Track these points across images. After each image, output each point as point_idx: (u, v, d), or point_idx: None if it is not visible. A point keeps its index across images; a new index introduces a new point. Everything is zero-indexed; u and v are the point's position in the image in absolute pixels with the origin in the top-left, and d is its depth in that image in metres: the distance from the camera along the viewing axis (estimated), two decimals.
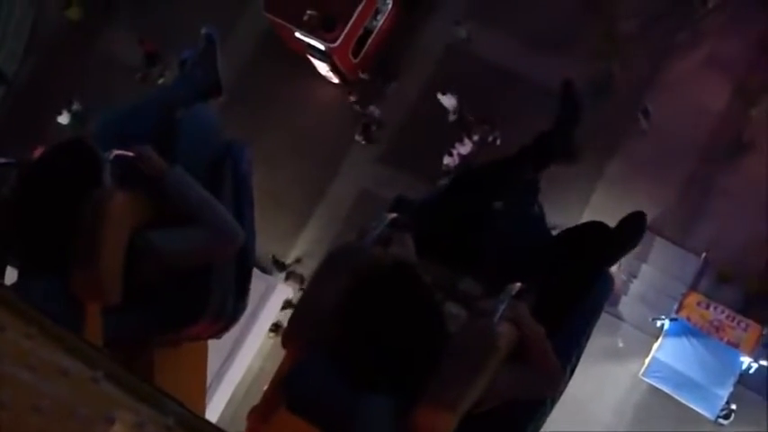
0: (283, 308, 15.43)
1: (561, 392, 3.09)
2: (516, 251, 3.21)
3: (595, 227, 3.52)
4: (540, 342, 2.79)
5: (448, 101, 16.07)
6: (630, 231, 3.57)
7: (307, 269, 15.97)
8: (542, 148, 3.65)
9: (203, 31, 3.59)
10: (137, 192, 2.89)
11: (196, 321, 3.13)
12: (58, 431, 1.60)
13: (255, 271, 4.92)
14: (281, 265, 16.43)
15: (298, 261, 16.56)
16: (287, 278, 16.34)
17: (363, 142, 17.07)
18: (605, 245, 3.42)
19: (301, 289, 15.75)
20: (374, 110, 17.05)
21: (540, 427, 3.16)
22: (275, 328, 15.20)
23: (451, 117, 16.22)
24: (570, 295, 3.20)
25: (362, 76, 17.10)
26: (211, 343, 3.75)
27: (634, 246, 3.60)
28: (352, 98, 17.16)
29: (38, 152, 3.56)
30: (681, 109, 15.21)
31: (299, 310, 2.85)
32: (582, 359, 3.34)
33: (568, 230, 3.54)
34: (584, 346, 3.33)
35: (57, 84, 17.75)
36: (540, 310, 2.89)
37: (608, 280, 3.50)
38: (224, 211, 3.00)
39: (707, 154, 15.10)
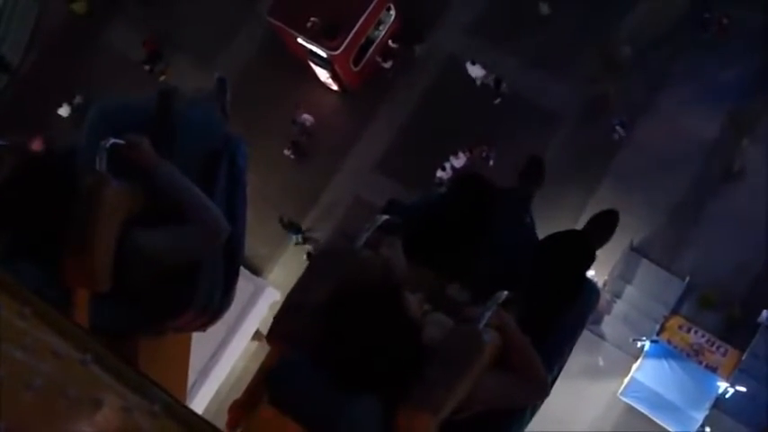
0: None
1: (541, 403, 3.13)
2: (506, 260, 3.25)
3: (573, 236, 3.59)
4: (525, 350, 2.83)
5: (476, 71, 16.22)
6: (602, 229, 3.65)
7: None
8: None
9: (216, 75, 3.61)
10: (130, 182, 2.92)
11: (183, 312, 3.15)
12: (49, 408, 1.64)
13: (244, 272, 4.92)
14: (296, 228, 16.24)
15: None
16: (303, 242, 16.21)
17: (292, 156, 16.67)
18: (582, 252, 3.47)
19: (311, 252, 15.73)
20: (307, 118, 16.65)
21: None
22: (256, 333, 15.18)
23: (478, 83, 16.32)
24: (556, 305, 3.24)
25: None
26: (198, 340, 3.76)
27: (605, 241, 3.66)
28: (297, 102, 16.71)
29: (35, 142, 3.58)
30: (674, 135, 15.38)
31: (286, 306, 2.87)
32: (562, 376, 3.35)
33: (548, 238, 3.58)
34: (567, 358, 3.35)
35: (59, 76, 17.72)
36: (526, 319, 2.94)
37: (593, 291, 3.54)
38: (212, 206, 3.00)
39: (697, 181, 15.27)
